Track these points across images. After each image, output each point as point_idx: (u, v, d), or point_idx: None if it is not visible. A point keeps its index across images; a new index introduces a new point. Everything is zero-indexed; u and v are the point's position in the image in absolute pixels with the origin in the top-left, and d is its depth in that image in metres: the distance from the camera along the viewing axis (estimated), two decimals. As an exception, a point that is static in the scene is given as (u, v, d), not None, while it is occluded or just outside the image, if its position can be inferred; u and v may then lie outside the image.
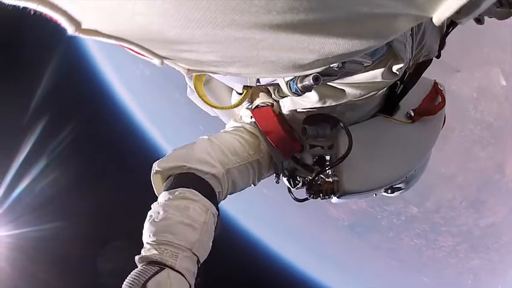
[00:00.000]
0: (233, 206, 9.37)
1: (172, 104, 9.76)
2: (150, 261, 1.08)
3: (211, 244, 1.23)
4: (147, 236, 1.15)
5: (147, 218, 1.19)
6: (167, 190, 1.25)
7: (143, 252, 1.12)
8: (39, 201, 7.17)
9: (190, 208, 1.19)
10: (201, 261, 1.18)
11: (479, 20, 1.57)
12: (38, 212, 7.10)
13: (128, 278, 1.03)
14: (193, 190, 1.24)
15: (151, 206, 1.24)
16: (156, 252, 1.09)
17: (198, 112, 1.80)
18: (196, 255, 1.15)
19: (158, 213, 1.18)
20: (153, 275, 1.02)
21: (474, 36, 4.82)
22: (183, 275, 1.08)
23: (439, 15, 0.54)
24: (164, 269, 1.05)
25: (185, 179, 1.29)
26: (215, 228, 1.26)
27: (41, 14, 0.54)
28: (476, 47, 4.94)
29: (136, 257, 1.12)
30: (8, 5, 0.51)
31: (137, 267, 1.09)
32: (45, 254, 7.04)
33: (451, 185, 6.19)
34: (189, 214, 1.17)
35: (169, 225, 1.14)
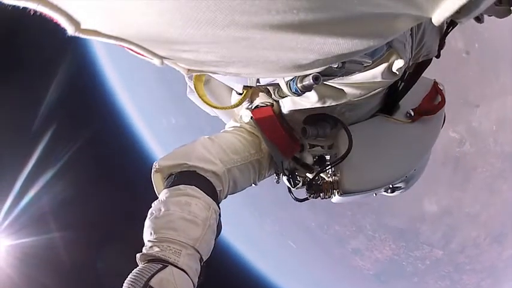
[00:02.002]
0: (260, 259, 9.50)
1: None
2: (151, 259, 1.05)
3: (213, 242, 1.20)
4: (148, 234, 1.12)
5: (148, 215, 1.17)
6: (168, 188, 1.24)
7: (144, 250, 1.09)
8: (46, 210, 7.20)
9: (192, 204, 1.17)
10: (204, 259, 1.16)
11: (479, 19, 1.57)
12: (44, 222, 7.12)
13: (129, 276, 0.99)
14: (194, 187, 1.23)
15: (152, 204, 1.21)
16: (158, 249, 1.06)
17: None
18: (199, 252, 1.12)
19: (159, 210, 1.15)
20: (156, 273, 0.98)
21: (490, 67, 4.83)
22: (186, 273, 1.05)
23: (439, 16, 0.54)
24: (167, 266, 1.02)
25: (186, 177, 1.27)
26: (217, 227, 1.24)
27: (41, 15, 0.54)
28: (493, 77, 4.93)
29: (138, 255, 1.08)
30: (8, 5, 0.51)
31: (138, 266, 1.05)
32: (52, 263, 7.05)
33: (475, 223, 6.20)
34: (190, 210, 1.15)
35: (171, 221, 1.11)
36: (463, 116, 5.20)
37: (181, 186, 1.22)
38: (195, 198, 1.19)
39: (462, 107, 5.13)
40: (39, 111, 7.12)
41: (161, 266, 1.01)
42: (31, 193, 6.94)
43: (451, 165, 5.68)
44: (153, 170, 1.34)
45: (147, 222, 1.15)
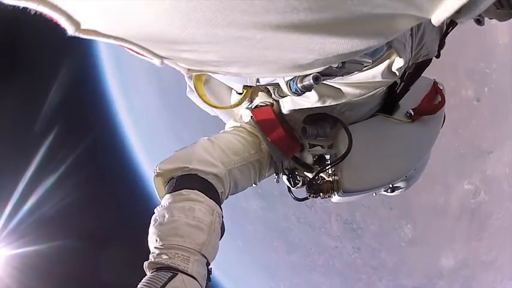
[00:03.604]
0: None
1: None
2: (160, 267, 1.05)
3: (218, 245, 1.21)
4: (153, 241, 1.11)
5: (152, 222, 1.16)
6: (170, 192, 1.23)
7: (152, 258, 1.08)
8: (46, 219, 7.15)
9: (195, 209, 1.16)
10: (210, 262, 1.16)
11: (479, 21, 1.58)
12: (44, 231, 7.07)
13: (139, 286, 0.98)
14: (197, 191, 1.22)
15: (155, 210, 1.21)
16: (166, 257, 1.05)
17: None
18: (205, 257, 1.12)
19: (163, 216, 1.15)
20: (168, 282, 0.98)
21: (501, 109, 4.84)
22: (195, 279, 1.05)
23: (438, 16, 0.54)
24: (177, 274, 1.01)
25: (188, 181, 1.27)
26: (220, 229, 1.24)
27: (41, 15, 0.54)
28: (504, 120, 4.92)
29: (145, 263, 1.07)
30: (8, 5, 0.51)
31: (145, 275, 1.04)
32: (52, 273, 6.99)
33: (491, 269, 6.13)
34: (194, 215, 1.15)
35: (176, 227, 1.11)
36: (477, 166, 5.21)
37: (183, 191, 1.22)
38: (198, 203, 1.19)
39: (476, 157, 5.13)
40: (39, 117, 7.08)
41: (171, 274, 1.01)
42: (30, 202, 6.89)
43: (467, 217, 5.66)
44: (153, 174, 1.33)
45: (152, 229, 1.14)
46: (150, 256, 1.09)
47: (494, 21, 1.50)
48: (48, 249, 6.92)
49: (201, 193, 1.22)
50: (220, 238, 1.24)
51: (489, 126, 4.96)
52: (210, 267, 1.16)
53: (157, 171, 1.32)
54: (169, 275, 1.00)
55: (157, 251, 1.08)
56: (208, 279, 1.13)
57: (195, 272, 1.05)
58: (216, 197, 1.29)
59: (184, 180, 1.27)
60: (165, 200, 1.21)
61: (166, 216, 1.14)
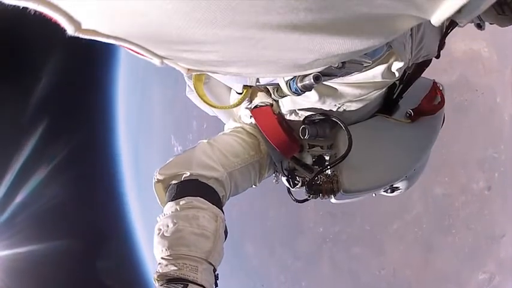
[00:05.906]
0: None
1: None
2: (170, 279, 1.05)
3: (224, 251, 1.22)
4: (159, 251, 1.12)
5: (156, 232, 1.16)
6: (172, 200, 1.23)
7: (160, 269, 1.09)
8: (31, 221, 7.01)
9: (199, 217, 1.17)
10: (216, 268, 1.17)
11: (480, 26, 1.58)
12: (29, 233, 6.95)
13: None
14: (199, 198, 1.23)
15: (157, 218, 1.21)
16: (175, 268, 1.06)
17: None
18: (212, 264, 1.13)
19: (167, 226, 1.15)
20: None
21: (511, 192, 4.75)
22: None
23: (439, 16, 0.54)
24: (188, 285, 1.03)
25: (189, 187, 1.27)
26: (224, 232, 1.25)
27: (44, 18, 0.54)
28: None
29: (154, 275, 1.08)
30: (8, 5, 0.51)
31: (151, 284, 1.07)
32: (39, 276, 6.88)
33: None
34: (199, 223, 1.15)
35: (182, 237, 1.12)
36: (491, 253, 5.11)
37: (186, 199, 1.22)
38: (201, 210, 1.19)
39: (490, 246, 5.04)
40: (27, 112, 6.97)
41: (182, 286, 1.02)
42: (17, 201, 6.76)
43: (482, 304, 5.58)
44: (153, 180, 1.33)
45: (157, 239, 1.15)
46: (158, 267, 1.10)
47: (499, 98, 1.49)
48: (36, 252, 6.81)
49: (203, 199, 1.23)
50: (224, 241, 1.25)
51: (501, 211, 4.87)
52: (216, 273, 1.17)
53: (158, 177, 1.32)
54: (180, 287, 1.02)
55: (164, 262, 1.09)
56: (216, 284, 1.14)
57: (204, 280, 1.07)
58: (217, 201, 1.29)
59: (185, 187, 1.27)
60: (168, 208, 1.21)
61: (171, 225, 1.15)
